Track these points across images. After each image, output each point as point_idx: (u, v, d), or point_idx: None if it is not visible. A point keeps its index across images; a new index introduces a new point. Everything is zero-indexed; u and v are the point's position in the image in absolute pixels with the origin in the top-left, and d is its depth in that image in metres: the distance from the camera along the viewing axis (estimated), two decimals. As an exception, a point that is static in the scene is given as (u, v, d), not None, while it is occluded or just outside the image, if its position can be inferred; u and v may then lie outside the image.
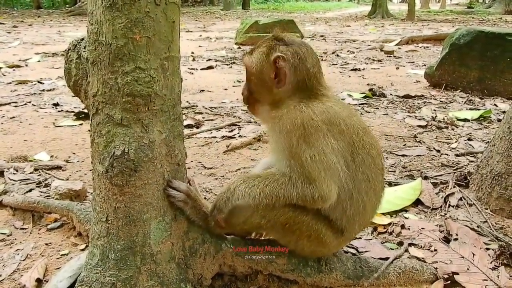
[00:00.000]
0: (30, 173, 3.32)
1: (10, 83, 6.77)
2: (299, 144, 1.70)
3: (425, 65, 8.44)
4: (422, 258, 2.32)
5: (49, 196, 2.87)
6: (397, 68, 8.69)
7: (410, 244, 2.46)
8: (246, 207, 1.84)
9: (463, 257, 2.31)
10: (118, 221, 1.73)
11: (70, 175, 3.36)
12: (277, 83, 1.82)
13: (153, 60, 1.65)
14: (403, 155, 3.86)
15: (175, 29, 1.72)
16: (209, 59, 9.60)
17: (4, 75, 7.37)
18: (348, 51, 11.35)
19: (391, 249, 2.43)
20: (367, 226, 2.08)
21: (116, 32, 1.57)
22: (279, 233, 1.94)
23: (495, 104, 5.78)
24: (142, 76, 1.63)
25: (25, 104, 5.56)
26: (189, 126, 4.64)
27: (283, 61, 1.79)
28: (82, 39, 1.78)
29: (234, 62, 9.26)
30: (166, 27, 1.66)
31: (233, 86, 6.92)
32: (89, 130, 4.35)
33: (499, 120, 5.00)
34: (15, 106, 5.43)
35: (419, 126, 4.77)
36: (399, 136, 4.41)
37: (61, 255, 2.32)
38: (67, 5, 35.17)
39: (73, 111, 5.15)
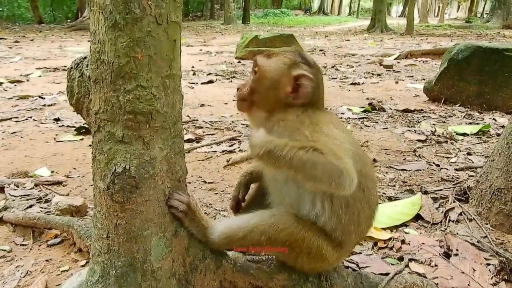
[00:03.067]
0: (31, 188, 3.32)
1: (11, 98, 6.81)
2: (312, 134, 1.72)
3: (424, 79, 8.50)
4: (423, 273, 2.32)
5: (50, 212, 2.88)
6: (396, 82, 8.75)
7: (410, 260, 2.46)
8: (244, 226, 1.84)
9: (463, 272, 2.31)
10: (119, 238, 1.74)
11: (70, 191, 3.37)
12: (293, 98, 1.87)
13: (155, 78, 1.67)
14: (402, 170, 3.87)
15: (176, 48, 1.75)
16: (210, 74, 9.67)
17: (6, 90, 7.42)
18: (347, 65, 11.44)
19: (392, 264, 2.43)
20: (363, 238, 2.07)
21: (118, 51, 1.60)
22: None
23: (494, 119, 5.81)
24: (144, 94, 1.65)
25: (26, 119, 5.58)
26: (189, 140, 4.66)
27: (308, 81, 1.85)
28: (85, 57, 1.81)
29: (234, 77, 9.32)
30: (167, 46, 1.69)
31: (233, 100, 6.96)
32: (90, 145, 4.38)
33: (498, 135, 5.02)
34: (16, 121, 5.45)
35: (419, 140, 4.79)
36: (399, 151, 4.42)
37: (62, 271, 2.32)
38: (69, 20, 35.53)
39: (74, 126, 5.18)
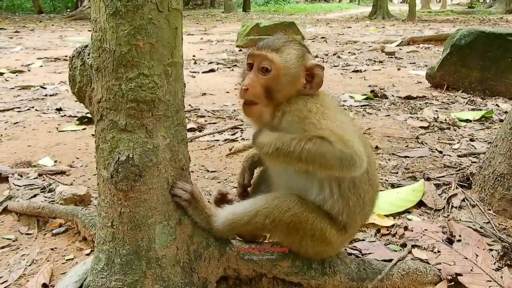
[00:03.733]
0: (35, 178, 3.34)
1: (13, 88, 6.81)
2: (319, 121, 1.73)
3: (426, 66, 8.45)
4: (426, 259, 2.33)
5: (54, 201, 2.89)
6: (399, 69, 8.70)
7: (413, 246, 2.47)
8: (248, 211, 1.85)
9: (466, 258, 2.32)
10: (124, 226, 1.75)
11: (74, 180, 3.38)
12: (309, 88, 1.89)
13: (157, 66, 1.66)
14: (405, 157, 3.87)
15: (178, 35, 1.74)
16: (211, 62, 9.63)
17: (7, 81, 7.41)
18: (349, 52, 11.37)
19: (395, 250, 2.44)
20: (367, 219, 2.08)
21: (119, 39, 1.59)
22: (283, 233, 1.94)
23: (496, 105, 5.78)
24: (146, 82, 1.64)
25: (28, 109, 5.59)
26: (191, 129, 4.66)
27: (321, 70, 1.89)
28: (86, 46, 1.80)
29: (235, 65, 9.29)
30: (169, 34, 1.68)
31: (235, 89, 6.93)
32: (92, 135, 4.39)
33: (501, 121, 5.00)
34: (19, 112, 5.46)
35: (421, 127, 4.78)
36: (401, 138, 4.41)
37: (67, 260, 2.34)
38: (69, 10, 35.31)
39: (76, 116, 5.18)
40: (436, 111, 5.49)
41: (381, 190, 2.89)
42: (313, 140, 1.66)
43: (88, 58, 1.77)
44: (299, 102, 1.82)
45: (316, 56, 10.25)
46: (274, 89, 1.85)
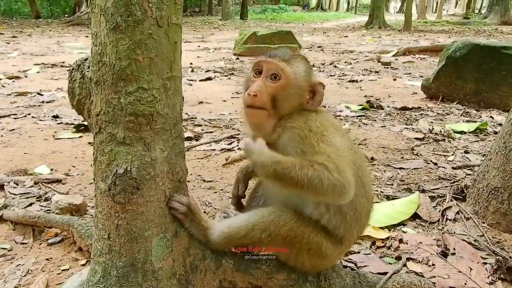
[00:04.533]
0: (30, 186, 3.33)
1: (10, 94, 6.80)
2: (318, 144, 1.75)
3: (422, 76, 8.52)
4: (420, 272, 2.34)
5: (50, 210, 2.89)
6: (394, 80, 8.77)
7: (408, 259, 2.48)
8: (245, 225, 1.87)
9: (460, 271, 2.34)
10: (120, 238, 1.75)
11: (70, 189, 3.38)
12: (311, 104, 1.93)
13: (156, 80, 1.68)
14: (400, 168, 3.89)
15: (177, 50, 1.76)
16: (208, 70, 9.66)
17: (4, 86, 7.40)
18: (345, 62, 11.45)
19: (390, 263, 2.45)
20: (363, 232, 2.10)
21: (119, 53, 1.61)
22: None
23: (491, 116, 5.83)
24: (145, 96, 1.66)
25: (25, 116, 5.58)
26: (188, 138, 4.67)
27: (322, 88, 1.94)
28: (86, 59, 1.82)
29: (232, 73, 9.32)
30: (168, 48, 1.70)
31: (232, 97, 6.97)
32: (89, 143, 4.40)
33: (495, 133, 5.05)
34: (15, 118, 5.45)
35: (416, 138, 4.81)
36: (397, 149, 4.44)
37: (62, 270, 2.33)
38: (66, 15, 35.35)
39: (72, 123, 5.18)
40: (431, 122, 5.54)
41: (376, 202, 2.91)
42: (314, 167, 1.67)
43: (87, 71, 1.79)
44: (300, 119, 1.83)
45: (313, 66, 10.30)
46: (280, 98, 1.85)
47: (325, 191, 1.67)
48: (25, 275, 2.27)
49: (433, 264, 2.43)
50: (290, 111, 1.88)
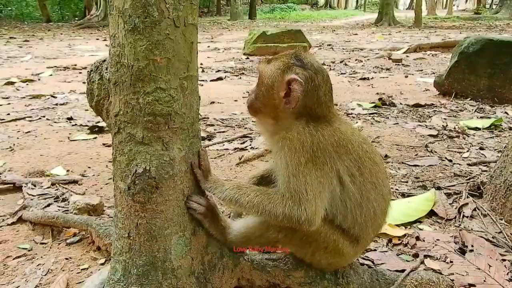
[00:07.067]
0: (48, 187, 3.38)
1: (24, 97, 6.89)
2: (306, 165, 1.73)
3: (434, 73, 8.46)
4: (438, 270, 2.33)
5: (67, 210, 2.93)
6: (406, 77, 8.71)
7: (425, 256, 2.47)
8: (261, 225, 1.88)
9: (479, 268, 2.32)
10: (140, 237, 1.77)
11: (86, 189, 3.41)
12: (285, 103, 1.82)
13: (173, 80, 1.70)
14: (415, 165, 3.87)
15: (193, 49, 1.78)
16: (218, 70, 9.70)
17: (18, 90, 7.50)
18: (356, 59, 11.40)
19: (407, 261, 2.44)
20: (380, 230, 2.08)
21: (137, 54, 1.63)
22: (296, 246, 1.96)
23: (505, 112, 5.77)
24: (163, 96, 1.68)
25: (40, 118, 5.65)
26: (201, 138, 4.68)
27: (298, 85, 1.78)
28: (104, 60, 1.84)
29: (243, 73, 9.34)
30: (185, 48, 1.72)
31: (243, 97, 6.98)
32: (103, 144, 4.43)
33: (511, 129, 5.00)
34: (30, 121, 5.52)
35: (430, 135, 4.78)
36: (411, 146, 4.42)
37: (81, 269, 2.37)
38: (76, 18, 35.66)
39: (86, 125, 5.23)
40: (445, 119, 5.49)
41: (391, 199, 2.90)
42: (271, 196, 1.77)
43: (106, 73, 1.81)
44: (295, 128, 1.80)
45: (323, 64, 10.28)
46: (258, 97, 1.91)
47: (280, 218, 1.74)
48: (45, 274, 2.31)
49: (451, 261, 2.41)
50: (271, 110, 1.87)
